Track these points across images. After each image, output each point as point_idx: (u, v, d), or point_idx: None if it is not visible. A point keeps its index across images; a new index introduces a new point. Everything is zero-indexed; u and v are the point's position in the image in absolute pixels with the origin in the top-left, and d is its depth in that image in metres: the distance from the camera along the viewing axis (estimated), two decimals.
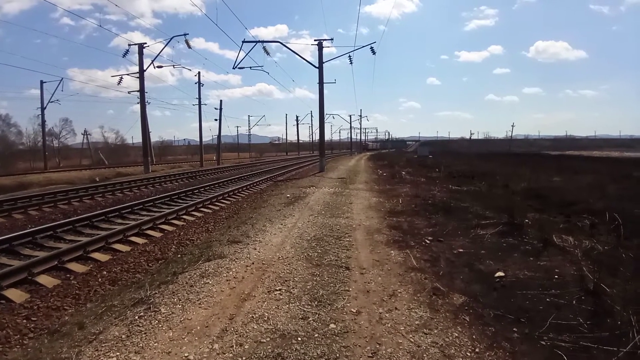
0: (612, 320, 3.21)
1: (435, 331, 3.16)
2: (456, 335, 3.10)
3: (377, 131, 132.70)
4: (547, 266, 4.69)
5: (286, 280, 4.33)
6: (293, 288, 4.10)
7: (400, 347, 2.93)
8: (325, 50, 22.38)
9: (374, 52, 23.11)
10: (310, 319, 3.38)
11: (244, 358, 2.79)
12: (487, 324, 3.30)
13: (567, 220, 7.45)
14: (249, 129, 77.20)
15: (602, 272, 3.91)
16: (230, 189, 14.78)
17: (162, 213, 9.59)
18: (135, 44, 25.88)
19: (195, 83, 36.53)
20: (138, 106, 27.37)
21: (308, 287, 4.14)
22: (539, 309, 3.54)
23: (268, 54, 22.58)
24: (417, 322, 3.32)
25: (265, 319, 3.38)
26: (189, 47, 25.85)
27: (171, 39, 25.78)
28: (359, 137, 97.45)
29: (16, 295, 4.86)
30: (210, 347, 2.93)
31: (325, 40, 22.24)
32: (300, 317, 3.42)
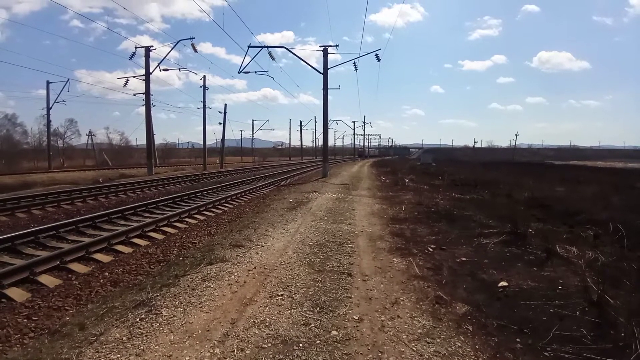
0: (616, 332, 3.19)
1: (438, 340, 3.14)
2: (459, 344, 3.07)
3: (380, 138, 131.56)
4: (551, 276, 4.66)
5: (288, 286, 4.31)
6: (295, 294, 4.09)
7: (403, 355, 2.90)
8: (330, 57, 22.53)
9: (378, 59, 23.15)
10: (312, 325, 3.36)
11: None
12: (490, 334, 3.28)
13: (571, 230, 7.41)
14: (253, 133, 77.73)
15: (606, 283, 3.88)
16: (233, 193, 14.80)
17: (165, 215, 9.62)
18: (142, 47, 26.08)
19: (201, 87, 36.84)
20: (143, 108, 27.56)
21: (310, 293, 4.12)
22: (542, 320, 3.51)
23: (273, 59, 22.65)
24: (419, 331, 3.30)
25: (267, 324, 3.37)
26: (195, 50, 26.04)
27: (178, 42, 26.02)
28: (361, 143, 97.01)
29: (17, 294, 4.87)
30: (212, 351, 2.92)
31: (331, 46, 22.32)
32: (302, 323, 3.40)
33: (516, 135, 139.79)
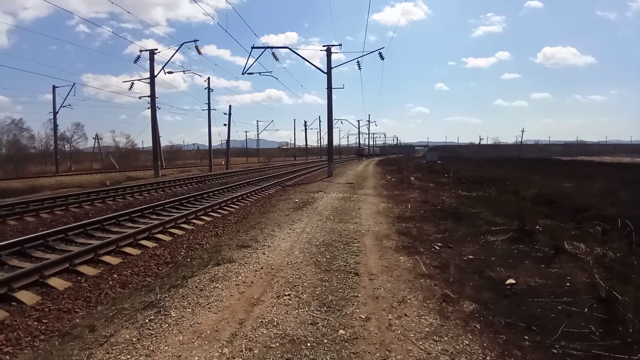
0: (624, 328, 3.18)
1: (446, 339, 3.14)
2: (467, 343, 3.07)
3: (385, 136, 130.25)
4: (559, 273, 4.64)
5: (295, 286, 4.33)
6: (302, 293, 4.11)
7: (410, 354, 2.91)
8: (333, 56, 22.46)
9: (382, 57, 23.11)
10: (320, 324, 3.37)
11: None
12: (498, 331, 3.27)
13: (579, 226, 7.35)
14: (258, 134, 77.93)
15: (614, 279, 3.86)
16: (238, 194, 14.85)
17: (172, 217, 9.67)
18: (146, 50, 26.19)
19: (205, 89, 37.04)
20: (149, 111, 27.69)
21: (317, 292, 4.14)
22: (550, 317, 3.50)
23: (277, 59, 22.71)
24: (427, 329, 3.30)
25: (275, 324, 3.39)
26: (199, 53, 26.16)
27: (182, 45, 26.07)
28: (367, 142, 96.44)
29: (27, 297, 4.92)
30: (220, 351, 2.94)
31: (334, 46, 22.32)
32: (310, 322, 3.42)
33: (522, 131, 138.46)
